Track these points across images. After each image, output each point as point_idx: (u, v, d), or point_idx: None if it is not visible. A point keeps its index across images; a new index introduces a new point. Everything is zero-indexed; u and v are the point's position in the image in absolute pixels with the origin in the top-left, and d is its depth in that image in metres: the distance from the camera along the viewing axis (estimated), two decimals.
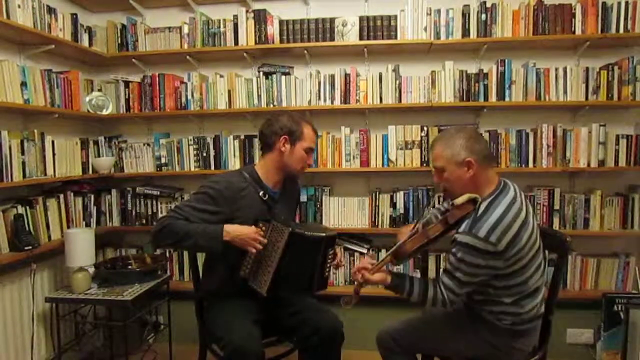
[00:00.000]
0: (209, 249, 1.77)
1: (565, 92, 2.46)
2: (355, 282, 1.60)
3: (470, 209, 1.45)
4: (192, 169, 2.74)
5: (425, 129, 2.56)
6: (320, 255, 1.71)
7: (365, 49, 2.60)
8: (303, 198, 2.64)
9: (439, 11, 2.51)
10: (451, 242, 1.51)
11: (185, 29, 2.68)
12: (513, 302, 1.51)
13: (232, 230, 1.68)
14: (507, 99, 2.48)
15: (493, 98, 2.49)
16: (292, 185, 2.00)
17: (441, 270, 1.57)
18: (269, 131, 1.82)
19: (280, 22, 2.61)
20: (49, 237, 2.33)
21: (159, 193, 2.78)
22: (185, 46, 2.69)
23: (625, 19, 2.39)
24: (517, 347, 1.57)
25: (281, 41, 2.61)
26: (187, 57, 2.71)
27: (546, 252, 1.89)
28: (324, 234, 1.71)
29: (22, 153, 2.13)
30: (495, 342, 1.56)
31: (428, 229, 1.50)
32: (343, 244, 2.69)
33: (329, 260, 1.76)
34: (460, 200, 1.44)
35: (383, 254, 2.67)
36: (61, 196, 2.43)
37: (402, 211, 2.62)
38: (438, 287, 1.51)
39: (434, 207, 1.99)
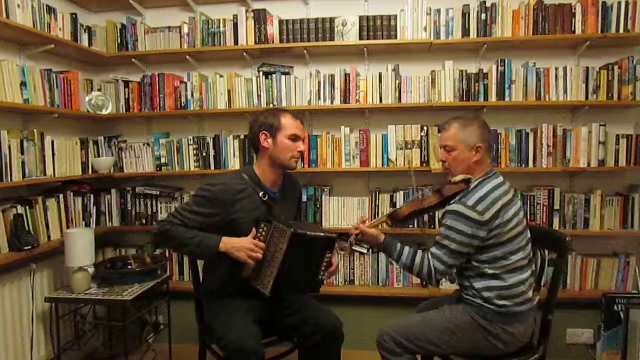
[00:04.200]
0: (206, 258, 1.80)
1: (565, 92, 2.46)
2: (352, 236, 1.79)
3: (464, 187, 1.67)
4: (192, 169, 2.74)
5: (425, 129, 2.56)
6: (319, 256, 1.71)
7: (365, 49, 2.60)
8: (303, 198, 2.62)
9: (439, 11, 2.50)
10: (442, 216, 1.68)
11: (185, 29, 2.68)
12: (495, 275, 1.60)
13: (229, 241, 1.70)
14: (507, 99, 2.48)
15: (493, 98, 2.49)
16: (291, 184, 2.00)
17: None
18: (251, 133, 1.86)
19: (280, 22, 2.61)
20: (49, 237, 2.33)
21: (159, 193, 2.78)
22: (185, 46, 2.69)
23: (626, 19, 2.38)
24: (511, 332, 1.60)
25: (281, 41, 2.61)
26: (187, 57, 2.71)
27: (546, 251, 1.90)
28: (324, 235, 1.71)
29: (22, 153, 2.13)
30: (490, 328, 1.59)
31: (424, 199, 1.75)
32: (343, 244, 2.69)
33: (325, 263, 1.76)
34: (457, 178, 1.68)
35: (382, 254, 2.67)
36: (61, 196, 2.43)
37: None
38: (426, 256, 1.66)
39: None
